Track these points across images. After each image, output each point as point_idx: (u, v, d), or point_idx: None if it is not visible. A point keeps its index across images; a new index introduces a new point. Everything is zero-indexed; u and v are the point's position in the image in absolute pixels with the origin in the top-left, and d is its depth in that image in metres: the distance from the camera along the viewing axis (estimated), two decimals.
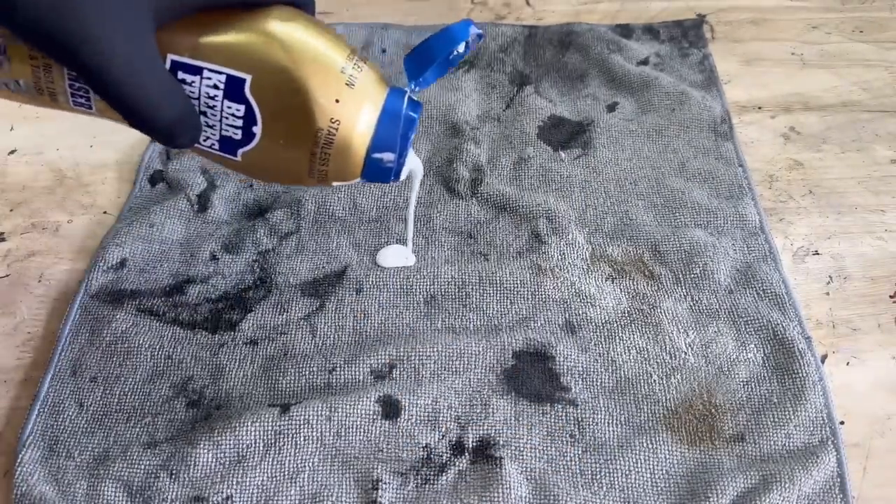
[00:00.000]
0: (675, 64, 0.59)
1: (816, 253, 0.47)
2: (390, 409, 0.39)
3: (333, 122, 0.30)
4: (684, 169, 0.51)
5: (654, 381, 0.41)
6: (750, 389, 0.40)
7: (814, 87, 0.59)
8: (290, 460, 0.38)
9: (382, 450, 0.38)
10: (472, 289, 0.45)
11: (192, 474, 0.37)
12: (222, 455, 0.38)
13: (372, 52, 0.61)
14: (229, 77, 0.29)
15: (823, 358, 0.42)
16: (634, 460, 0.38)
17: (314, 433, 0.38)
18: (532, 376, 0.41)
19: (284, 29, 0.30)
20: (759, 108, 0.57)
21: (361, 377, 0.41)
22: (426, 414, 0.39)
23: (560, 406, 0.40)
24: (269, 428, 0.38)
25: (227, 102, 0.30)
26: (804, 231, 0.49)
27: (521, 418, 0.39)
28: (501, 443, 0.38)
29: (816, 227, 0.49)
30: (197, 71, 0.29)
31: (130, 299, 0.45)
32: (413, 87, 0.33)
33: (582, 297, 0.44)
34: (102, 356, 0.42)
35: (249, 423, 0.38)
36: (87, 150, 0.55)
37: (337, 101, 0.30)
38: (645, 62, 0.59)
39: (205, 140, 0.31)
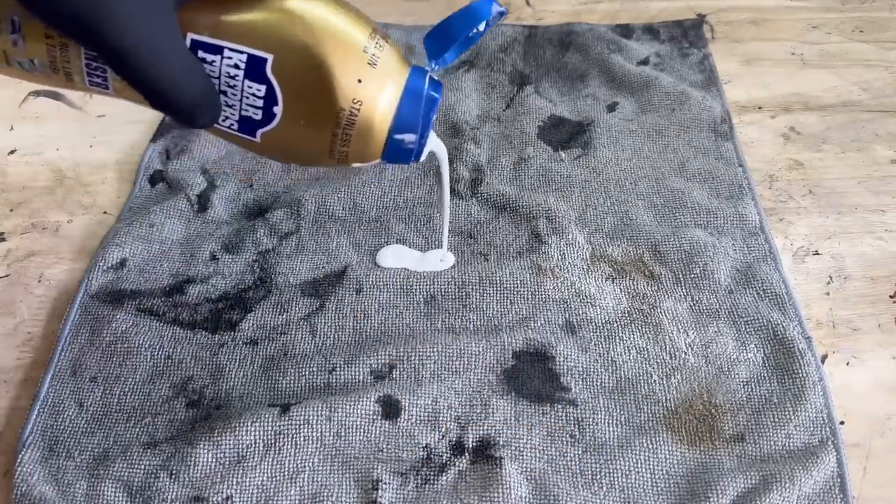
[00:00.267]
0: (675, 64, 0.59)
1: (816, 253, 0.47)
2: (390, 409, 0.39)
3: (356, 103, 0.30)
4: (684, 169, 0.51)
5: (654, 381, 0.41)
6: (750, 389, 0.40)
7: (814, 87, 0.59)
8: (290, 460, 0.38)
9: (382, 450, 0.38)
10: (472, 289, 0.45)
11: (192, 474, 0.37)
12: (222, 455, 0.38)
13: None
14: (250, 56, 0.29)
15: (823, 358, 0.42)
16: (634, 460, 0.38)
17: (314, 433, 0.38)
18: (532, 376, 0.41)
19: (306, 7, 0.29)
20: (759, 108, 0.57)
21: (361, 377, 0.41)
22: (426, 414, 0.39)
23: (560, 406, 0.40)
24: (269, 428, 0.38)
25: (247, 82, 0.29)
26: (804, 231, 0.49)
27: (521, 418, 0.39)
28: (501, 443, 0.38)
29: (816, 227, 0.49)
30: (218, 50, 0.29)
31: (130, 299, 0.45)
32: (433, 65, 0.32)
33: (582, 297, 0.44)
34: (102, 356, 0.42)
35: (249, 423, 0.38)
36: (87, 150, 0.55)
37: (359, 80, 0.30)
38: (645, 62, 0.59)
39: (223, 120, 0.31)
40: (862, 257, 0.47)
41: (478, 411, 0.40)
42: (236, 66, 0.29)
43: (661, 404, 0.40)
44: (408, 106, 0.31)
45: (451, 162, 0.52)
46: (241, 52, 0.29)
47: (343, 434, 0.38)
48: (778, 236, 0.48)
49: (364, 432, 0.39)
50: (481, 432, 0.39)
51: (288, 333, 0.43)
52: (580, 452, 0.38)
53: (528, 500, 0.37)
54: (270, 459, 0.38)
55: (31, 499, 0.37)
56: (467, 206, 0.50)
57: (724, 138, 0.53)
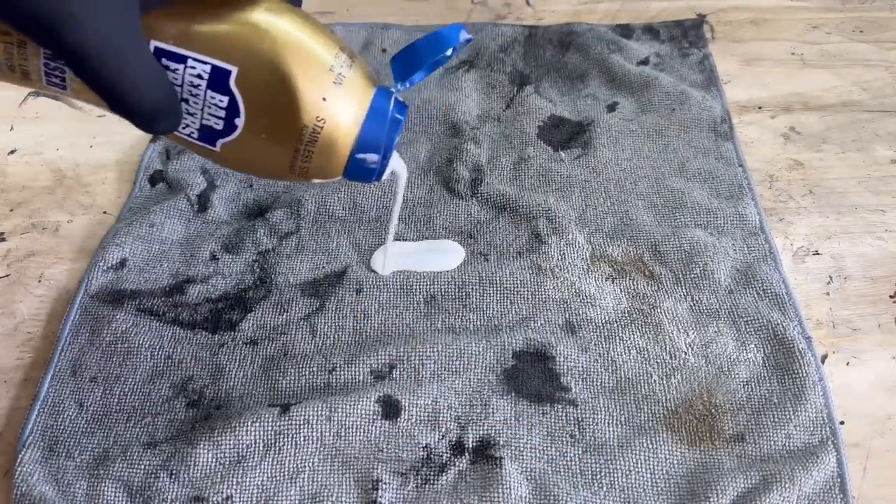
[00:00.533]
0: (675, 64, 0.59)
1: (816, 253, 0.47)
2: (390, 409, 0.39)
3: (319, 121, 0.30)
4: (684, 169, 0.51)
5: (654, 381, 0.41)
6: (750, 389, 0.40)
7: (814, 87, 0.59)
8: (290, 460, 0.38)
9: (382, 450, 0.38)
10: (472, 289, 0.45)
11: (192, 474, 0.37)
12: (222, 455, 0.38)
13: (372, 52, 0.61)
14: (214, 68, 0.29)
15: (823, 358, 0.42)
16: (634, 460, 0.38)
17: (314, 433, 0.38)
18: (532, 376, 0.41)
19: (274, 22, 0.29)
20: (759, 108, 0.57)
21: (361, 377, 0.41)
22: (426, 414, 0.39)
23: (560, 406, 0.40)
24: (269, 428, 0.38)
25: (210, 93, 0.29)
26: (804, 231, 0.49)
27: (521, 418, 0.39)
28: (501, 443, 0.38)
29: (816, 227, 0.49)
30: (181, 59, 0.29)
31: (130, 299, 0.45)
32: (399, 87, 0.32)
33: (582, 297, 0.44)
34: (102, 356, 0.42)
35: (249, 423, 0.38)
36: (87, 150, 0.55)
37: (324, 99, 0.29)
38: (645, 62, 0.59)
39: (184, 128, 0.30)
40: (862, 257, 0.47)
41: (478, 411, 0.40)
42: (199, 77, 0.29)
43: (661, 404, 0.40)
44: (372, 126, 0.31)
45: (451, 162, 0.52)
46: (206, 63, 0.29)
47: (343, 434, 0.38)
48: (778, 236, 0.48)
49: (364, 432, 0.39)
50: (481, 432, 0.39)
51: (288, 333, 0.43)
52: (580, 452, 0.38)
53: (528, 500, 0.37)
54: (270, 459, 0.38)
55: (31, 499, 0.37)
56: (467, 206, 0.50)
57: (724, 138, 0.53)
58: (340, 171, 0.32)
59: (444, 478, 0.37)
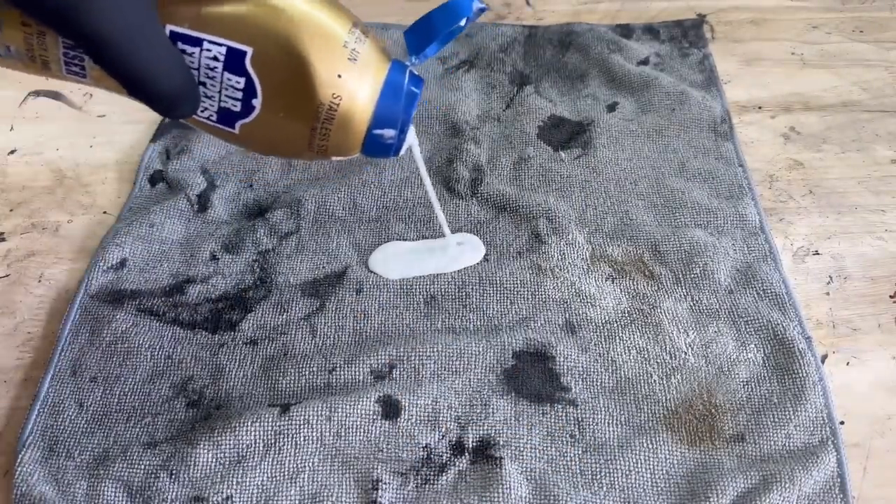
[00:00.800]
0: (675, 64, 0.59)
1: (816, 253, 0.47)
2: (390, 409, 0.39)
3: (335, 98, 0.30)
4: (684, 169, 0.51)
5: (654, 381, 0.41)
6: (750, 389, 0.40)
7: (814, 87, 0.59)
8: (290, 460, 0.38)
9: (382, 450, 0.38)
10: (472, 289, 0.45)
11: (192, 474, 0.37)
12: (222, 455, 0.38)
13: None
14: (230, 49, 0.29)
15: (823, 358, 0.42)
16: (634, 460, 0.38)
17: (314, 433, 0.38)
18: (532, 376, 0.41)
19: (287, 0, 0.29)
20: (759, 108, 0.57)
21: (361, 377, 0.41)
22: (426, 414, 0.39)
23: (560, 406, 0.40)
24: (269, 428, 0.38)
25: (227, 74, 0.29)
26: (804, 231, 0.49)
27: (521, 418, 0.39)
28: (501, 443, 0.38)
29: (816, 227, 0.49)
30: (197, 42, 0.29)
31: (130, 299, 0.45)
32: (414, 60, 0.32)
33: (582, 297, 0.44)
34: (102, 356, 0.42)
35: (249, 423, 0.38)
36: (87, 150, 0.55)
37: (339, 76, 0.29)
38: (645, 62, 0.59)
39: (202, 111, 0.30)
40: (862, 257, 0.47)
41: (478, 411, 0.40)
42: (215, 59, 0.29)
43: (661, 404, 0.40)
44: (387, 101, 0.31)
45: (451, 162, 0.52)
46: (221, 45, 0.29)
47: (343, 434, 0.38)
48: (778, 236, 0.48)
49: (364, 432, 0.39)
50: (481, 432, 0.39)
51: (288, 333, 0.43)
52: (580, 452, 0.38)
53: (528, 500, 0.37)
54: (270, 459, 0.38)
55: (31, 499, 0.37)
56: (467, 206, 0.50)
57: (724, 138, 0.53)
58: (358, 147, 0.32)
59: (444, 478, 0.37)
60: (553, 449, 0.38)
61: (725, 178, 0.51)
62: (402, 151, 0.33)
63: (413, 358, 0.41)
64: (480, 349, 0.42)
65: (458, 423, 0.39)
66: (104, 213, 0.51)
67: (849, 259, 0.47)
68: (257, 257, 0.47)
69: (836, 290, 0.46)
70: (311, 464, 0.38)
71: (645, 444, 0.38)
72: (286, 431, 0.38)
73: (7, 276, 0.47)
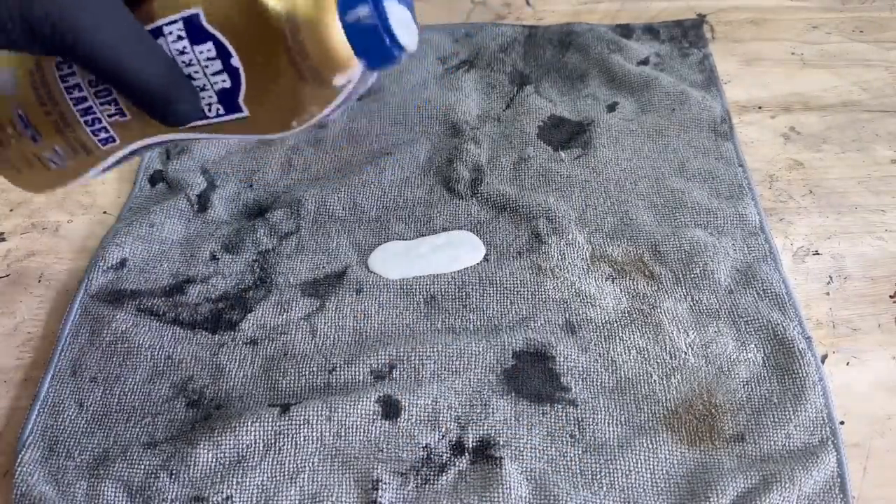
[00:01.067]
0: (675, 64, 0.59)
1: (816, 253, 0.47)
2: (390, 409, 0.39)
3: (288, 4, 0.28)
4: (684, 169, 0.51)
5: (654, 381, 0.41)
6: (750, 389, 0.40)
7: (814, 87, 0.59)
8: (290, 460, 0.38)
9: (382, 450, 0.38)
10: (472, 289, 0.45)
11: (192, 474, 0.37)
12: (222, 455, 0.38)
13: None
14: (184, 19, 0.28)
15: (823, 358, 0.42)
16: (634, 460, 0.38)
17: (314, 433, 0.38)
18: (532, 376, 0.41)
19: None
20: (759, 108, 0.57)
21: (361, 377, 0.41)
22: (426, 414, 0.39)
23: (560, 406, 0.40)
24: (269, 428, 0.38)
25: (196, 48, 0.29)
26: (804, 231, 0.49)
27: (521, 418, 0.39)
28: (501, 443, 0.38)
29: (816, 227, 0.49)
30: (160, 32, 0.29)
31: (130, 299, 0.45)
32: None
33: (582, 297, 0.44)
34: (102, 356, 0.42)
35: (249, 423, 0.38)
36: None
37: None
38: (645, 62, 0.59)
39: (209, 110, 0.30)
40: (862, 257, 0.47)
41: (478, 411, 0.40)
42: (179, 38, 0.29)
43: (661, 404, 0.40)
44: None
45: (451, 162, 0.52)
46: (175, 21, 0.29)
47: (343, 434, 0.38)
48: (778, 236, 0.48)
49: (364, 432, 0.39)
50: (481, 432, 0.39)
51: (288, 333, 0.43)
52: (580, 452, 0.38)
53: (528, 500, 0.37)
54: (270, 459, 0.38)
55: (31, 499, 0.37)
56: (467, 206, 0.50)
57: (724, 138, 0.53)
58: (346, 48, 0.29)
59: (444, 478, 0.37)
60: (553, 449, 0.38)
61: (725, 178, 0.51)
62: (408, 39, 0.30)
63: (413, 358, 0.41)
64: (480, 349, 0.42)
65: (458, 423, 0.39)
66: (104, 213, 0.51)
67: (849, 259, 0.47)
68: (257, 257, 0.47)
69: (836, 290, 0.46)
70: (311, 464, 0.38)
71: (645, 444, 0.38)
72: (286, 431, 0.38)
73: (7, 276, 0.47)
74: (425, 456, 0.38)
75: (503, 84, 0.58)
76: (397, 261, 0.46)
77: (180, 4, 0.29)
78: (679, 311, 0.44)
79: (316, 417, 0.39)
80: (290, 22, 0.28)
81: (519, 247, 0.47)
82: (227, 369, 0.42)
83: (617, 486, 0.37)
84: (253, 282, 0.46)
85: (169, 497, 0.37)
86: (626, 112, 0.56)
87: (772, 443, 0.38)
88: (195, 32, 0.29)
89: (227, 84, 0.30)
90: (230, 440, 0.38)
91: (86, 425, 0.40)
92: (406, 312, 0.44)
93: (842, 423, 0.39)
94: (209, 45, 0.29)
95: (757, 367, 0.41)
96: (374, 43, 0.29)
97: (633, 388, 0.40)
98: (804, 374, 0.40)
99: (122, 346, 0.43)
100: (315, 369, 0.41)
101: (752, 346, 0.42)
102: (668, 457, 0.38)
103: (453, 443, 0.38)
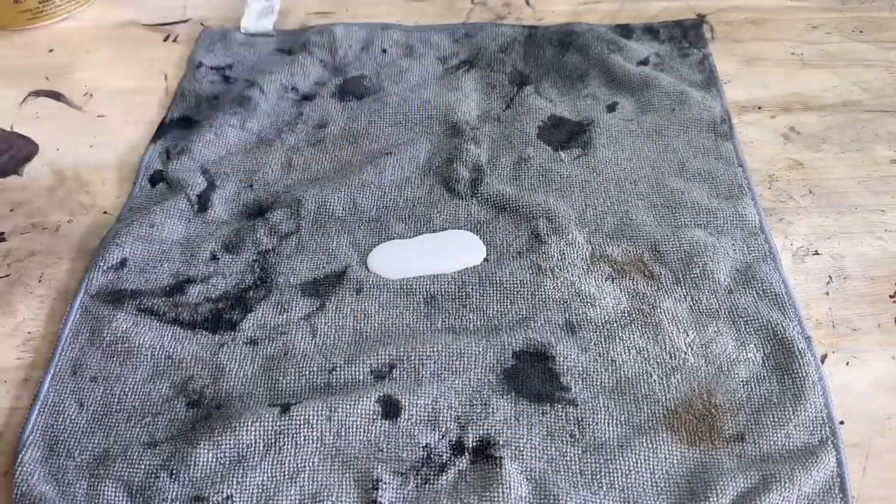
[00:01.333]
0: (675, 64, 0.60)
1: (816, 253, 0.48)
2: (390, 409, 0.39)
3: None
4: (684, 169, 0.51)
5: (654, 380, 0.41)
6: (750, 389, 0.40)
7: (814, 87, 0.59)
8: (290, 460, 0.38)
9: (382, 450, 0.38)
10: (472, 289, 0.45)
11: (192, 474, 0.37)
12: (222, 455, 0.38)
13: (372, 52, 0.61)
14: None
15: (823, 358, 0.42)
16: (634, 460, 0.38)
17: (314, 433, 0.38)
18: (532, 376, 0.41)
19: None
20: (759, 108, 0.57)
21: (361, 377, 0.41)
22: (426, 414, 0.39)
23: (560, 406, 0.40)
24: (269, 428, 0.38)
25: None
26: (804, 231, 0.49)
27: (521, 418, 0.39)
28: (501, 443, 0.38)
29: (816, 227, 0.49)
30: None
31: (130, 299, 0.45)
32: None
33: (582, 297, 0.44)
34: (102, 356, 0.42)
35: (249, 423, 0.38)
36: (87, 150, 0.55)
37: None
38: (645, 62, 0.59)
39: None
40: (862, 257, 0.47)
41: (478, 411, 0.40)
42: None
43: (660, 404, 0.40)
44: None
45: (451, 162, 0.52)
46: None
47: (343, 434, 0.38)
48: (778, 236, 0.48)
49: (364, 432, 0.39)
50: (481, 432, 0.39)
51: (288, 333, 0.43)
52: (580, 452, 0.38)
53: (528, 499, 0.37)
54: (270, 459, 0.38)
55: (31, 499, 0.37)
56: (467, 206, 0.50)
57: (724, 138, 0.53)
58: None
59: (444, 478, 0.37)
60: (553, 449, 0.38)
61: (725, 178, 0.51)
62: None
63: (413, 358, 0.42)
64: (480, 349, 0.42)
65: (458, 423, 0.39)
66: (104, 213, 0.51)
67: (849, 259, 0.47)
68: (257, 257, 0.47)
69: (836, 289, 0.46)
70: (311, 464, 0.38)
71: (645, 444, 0.38)
72: (286, 431, 0.38)
73: (7, 276, 0.47)
74: (425, 456, 0.38)
75: (503, 84, 0.58)
76: (397, 261, 0.46)
77: None
78: (679, 310, 0.44)
79: (316, 417, 0.39)
80: None
81: (519, 247, 0.47)
82: (228, 369, 0.42)
83: (617, 486, 0.37)
84: (253, 282, 0.46)
85: (169, 497, 0.37)
86: (625, 112, 0.56)
87: (771, 443, 0.38)
88: None
89: None
90: (230, 440, 0.38)
91: (86, 425, 0.40)
92: (406, 312, 0.44)
93: (841, 422, 0.39)
94: None
95: (757, 366, 0.41)
96: None
97: (633, 388, 0.40)
98: (804, 374, 0.40)
99: (122, 345, 0.43)
100: (315, 369, 0.41)
101: (752, 345, 0.42)
102: (667, 456, 0.38)
103: (453, 442, 0.38)
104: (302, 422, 0.38)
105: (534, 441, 0.38)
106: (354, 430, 0.39)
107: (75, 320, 0.44)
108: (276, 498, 0.37)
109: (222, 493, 0.37)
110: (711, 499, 0.36)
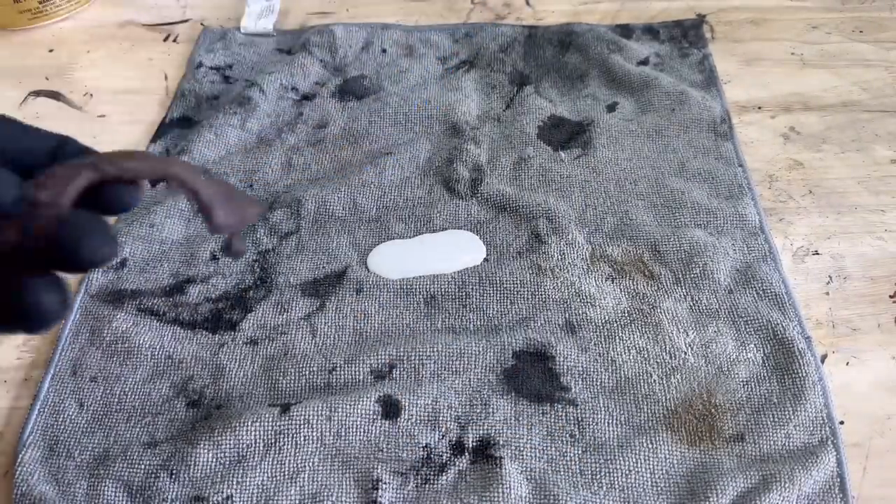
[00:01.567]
0: (675, 64, 0.59)
1: (816, 253, 0.47)
2: (390, 409, 0.39)
3: None
4: (684, 169, 0.51)
5: (654, 380, 0.41)
6: (750, 389, 0.40)
7: (814, 87, 0.59)
8: (290, 460, 0.38)
9: (382, 450, 0.38)
10: (472, 289, 0.45)
11: (192, 474, 0.37)
12: (222, 455, 0.38)
13: (372, 52, 0.61)
14: None
15: (823, 358, 0.42)
16: (634, 460, 0.38)
17: (314, 433, 0.38)
18: (532, 376, 0.41)
19: None
20: (759, 108, 0.57)
21: (361, 377, 0.41)
22: (426, 414, 0.39)
23: (560, 406, 0.40)
24: (269, 428, 0.38)
25: None
26: (804, 231, 0.49)
27: (521, 418, 0.39)
28: (501, 443, 0.38)
29: (816, 227, 0.49)
30: None
31: (130, 299, 0.45)
32: None
33: (582, 297, 0.44)
34: (102, 356, 0.42)
35: (249, 423, 0.38)
36: None
37: None
38: (645, 62, 0.59)
39: None
40: (862, 257, 0.47)
41: (478, 411, 0.40)
42: None
43: (661, 404, 0.40)
44: None
45: (451, 162, 0.52)
46: None
47: (343, 434, 0.38)
48: (778, 236, 0.48)
49: (364, 432, 0.39)
50: (481, 432, 0.39)
51: (288, 333, 0.43)
52: (580, 452, 0.38)
53: (528, 499, 0.37)
54: (270, 459, 0.38)
55: (31, 499, 0.37)
56: (467, 206, 0.50)
57: (724, 138, 0.53)
58: None
59: (444, 478, 0.37)
60: (553, 449, 0.38)
61: (725, 178, 0.51)
62: None
63: (413, 358, 0.42)
64: (480, 349, 0.42)
65: (458, 423, 0.39)
66: None
67: (848, 259, 0.47)
68: (257, 257, 0.47)
69: (836, 289, 0.46)
70: (311, 464, 0.38)
71: (645, 444, 0.38)
72: (286, 431, 0.38)
73: None
74: (425, 456, 0.38)
75: (503, 84, 0.58)
76: (397, 261, 0.46)
77: None
78: (679, 310, 0.44)
79: (316, 417, 0.39)
80: None
81: (519, 247, 0.47)
82: (228, 369, 0.42)
83: (617, 486, 0.37)
84: (253, 282, 0.46)
85: (169, 497, 0.37)
86: (625, 112, 0.56)
87: (771, 442, 0.38)
88: None
89: None
90: (230, 440, 0.38)
91: (86, 425, 0.40)
92: (406, 312, 0.44)
93: (841, 422, 0.39)
94: None
95: (756, 366, 0.41)
96: None
97: (633, 388, 0.40)
98: (804, 374, 0.40)
99: (122, 345, 0.43)
100: (315, 369, 0.41)
101: (752, 345, 0.42)
102: (667, 456, 0.38)
103: (453, 442, 0.38)
104: (302, 422, 0.38)
105: (534, 441, 0.38)
106: (354, 430, 0.39)
107: (75, 320, 0.44)
108: (276, 498, 0.37)
109: (222, 493, 0.37)
110: (711, 499, 0.36)
